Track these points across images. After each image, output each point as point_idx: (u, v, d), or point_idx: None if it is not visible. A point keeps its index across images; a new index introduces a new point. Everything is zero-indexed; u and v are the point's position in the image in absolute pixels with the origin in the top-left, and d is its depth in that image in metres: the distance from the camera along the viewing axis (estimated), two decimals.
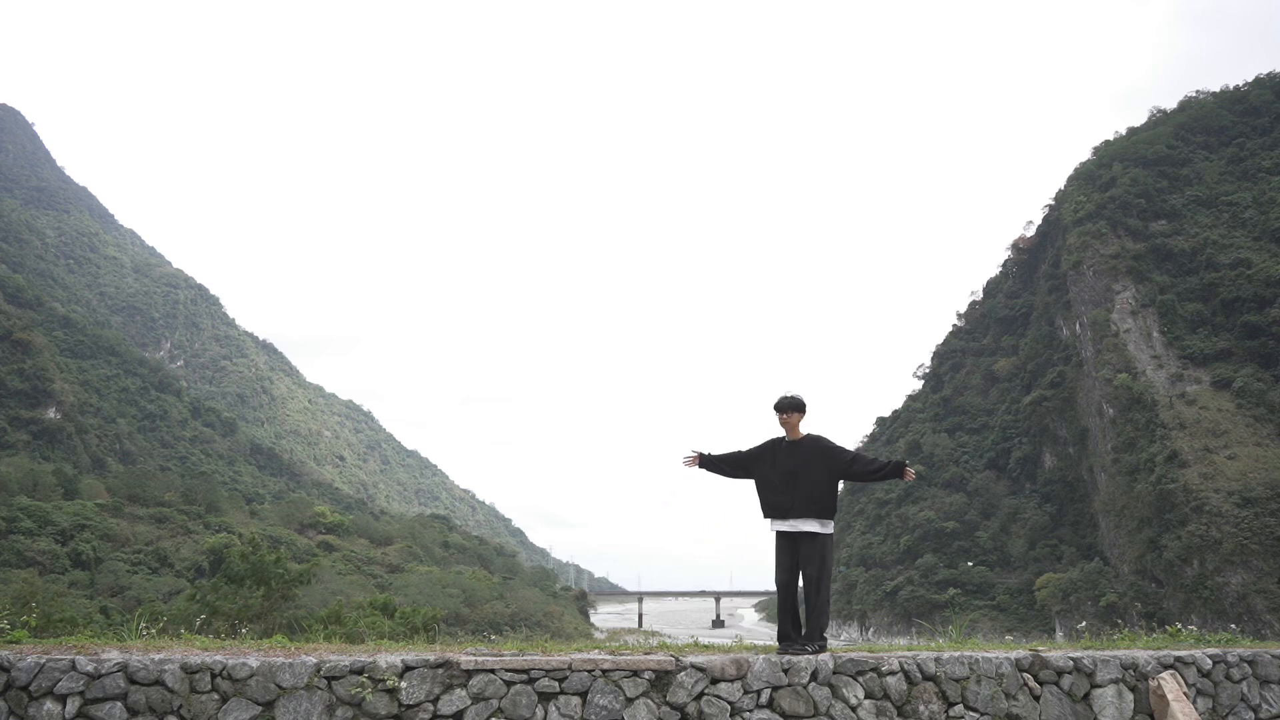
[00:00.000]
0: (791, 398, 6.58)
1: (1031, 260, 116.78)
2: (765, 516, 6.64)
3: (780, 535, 6.55)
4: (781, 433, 6.67)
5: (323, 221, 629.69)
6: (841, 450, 6.50)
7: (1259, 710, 7.15)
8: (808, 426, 6.67)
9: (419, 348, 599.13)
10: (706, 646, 6.87)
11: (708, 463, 6.72)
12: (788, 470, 6.48)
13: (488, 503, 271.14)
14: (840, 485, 6.55)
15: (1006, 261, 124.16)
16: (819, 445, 6.51)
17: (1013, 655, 6.68)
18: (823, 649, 6.39)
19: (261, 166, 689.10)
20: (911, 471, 6.44)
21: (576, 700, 5.72)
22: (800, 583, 6.60)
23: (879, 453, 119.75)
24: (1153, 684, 6.80)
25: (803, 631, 6.56)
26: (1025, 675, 6.63)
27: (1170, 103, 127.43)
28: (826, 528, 6.46)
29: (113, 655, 5.49)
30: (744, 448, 6.78)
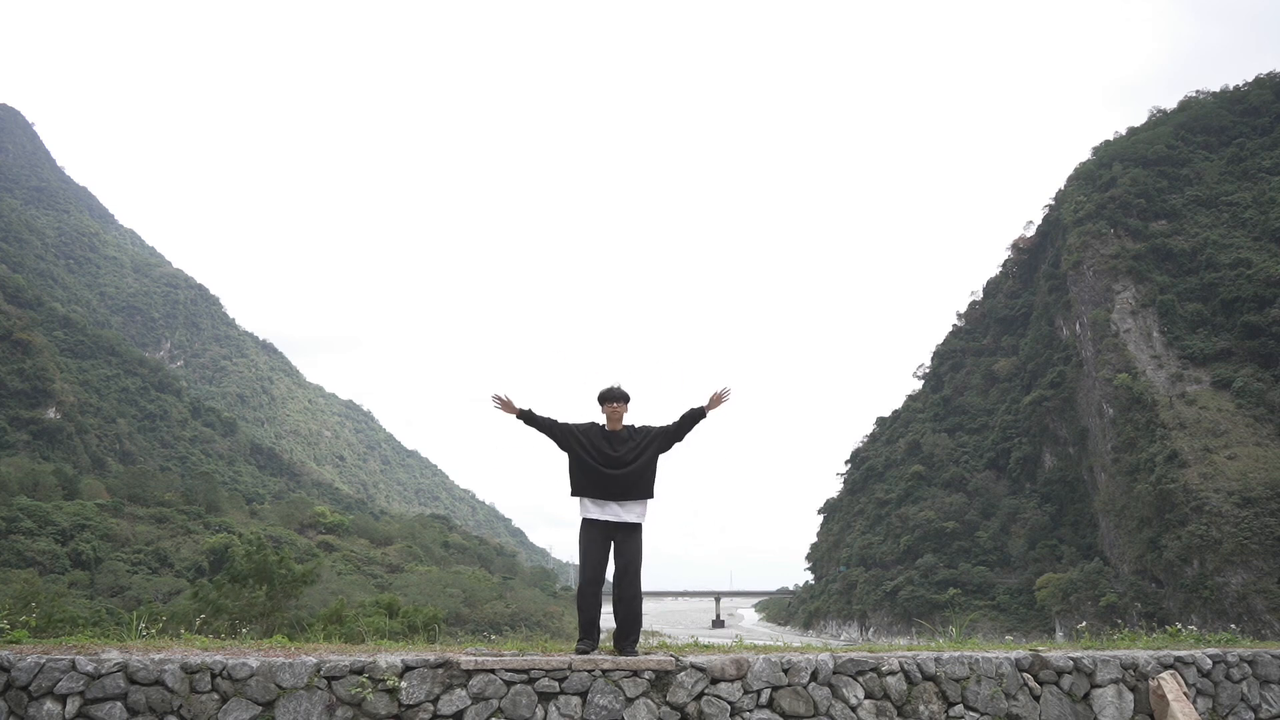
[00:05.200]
0: (620, 389, 6.56)
1: (1031, 260, 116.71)
2: (574, 495, 6.43)
3: (592, 523, 6.35)
4: (602, 419, 6.58)
5: (323, 222, 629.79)
6: (659, 428, 6.49)
7: (1259, 710, 7.15)
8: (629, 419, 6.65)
9: (419, 348, 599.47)
10: (706, 646, 6.87)
11: (527, 418, 6.47)
12: (607, 456, 6.34)
13: (488, 503, 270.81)
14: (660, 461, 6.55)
15: (1006, 261, 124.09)
16: (639, 433, 6.49)
17: (1013, 655, 6.68)
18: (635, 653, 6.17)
19: (261, 166, 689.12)
20: (719, 394, 6.33)
21: (576, 700, 5.72)
22: (613, 577, 6.46)
23: (879, 453, 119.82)
24: (1153, 684, 6.80)
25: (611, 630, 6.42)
26: (1025, 675, 6.63)
27: (1170, 101, 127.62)
28: (644, 518, 6.41)
29: (113, 655, 5.49)
30: (561, 419, 6.57)
